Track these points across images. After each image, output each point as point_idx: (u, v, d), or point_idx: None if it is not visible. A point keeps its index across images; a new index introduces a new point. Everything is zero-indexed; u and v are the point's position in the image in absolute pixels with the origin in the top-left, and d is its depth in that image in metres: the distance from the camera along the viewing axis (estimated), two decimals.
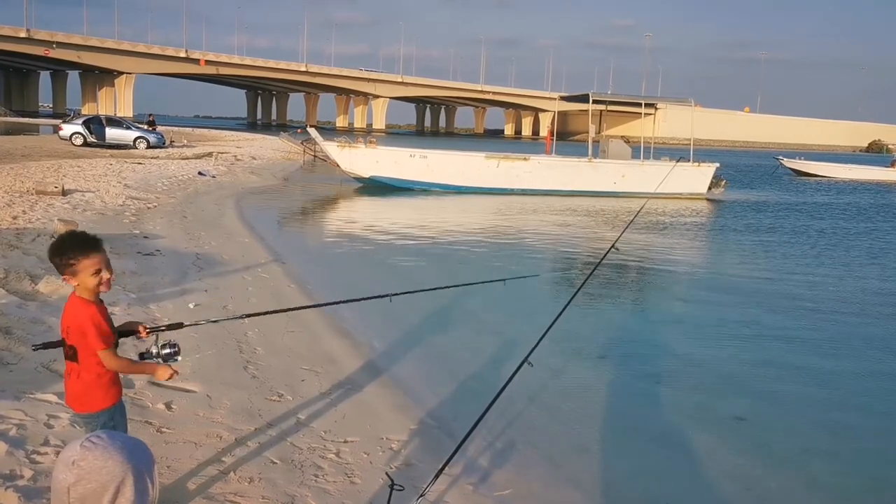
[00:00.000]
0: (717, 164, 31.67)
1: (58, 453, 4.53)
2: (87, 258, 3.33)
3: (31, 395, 5.41)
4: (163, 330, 3.81)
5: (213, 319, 5.20)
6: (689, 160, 30.57)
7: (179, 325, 4.21)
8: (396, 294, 5.09)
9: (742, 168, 58.79)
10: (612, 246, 6.14)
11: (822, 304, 11.71)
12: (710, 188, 30.82)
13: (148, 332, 3.68)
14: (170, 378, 3.60)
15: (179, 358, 3.64)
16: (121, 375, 3.63)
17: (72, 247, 3.34)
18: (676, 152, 33.38)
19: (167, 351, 3.60)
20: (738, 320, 10.44)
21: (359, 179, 28.75)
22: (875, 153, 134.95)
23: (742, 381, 7.84)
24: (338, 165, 28.54)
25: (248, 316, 5.10)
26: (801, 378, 8.01)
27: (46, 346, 3.88)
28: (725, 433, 6.48)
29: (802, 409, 7.10)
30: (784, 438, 6.42)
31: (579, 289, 5.16)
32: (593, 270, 5.65)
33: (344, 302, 5.81)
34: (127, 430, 3.74)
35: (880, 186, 44.80)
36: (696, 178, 30.64)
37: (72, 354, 3.45)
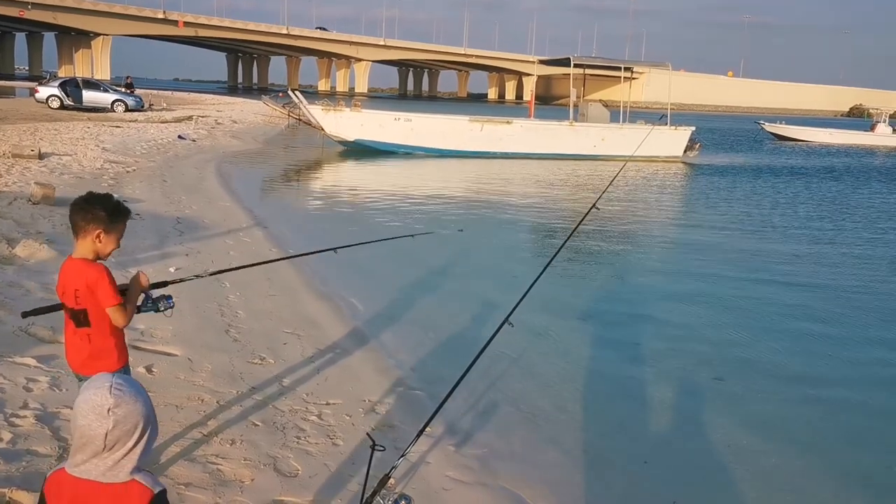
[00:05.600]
0: (693, 128, 32.39)
1: (37, 416, 4.52)
2: (124, 225, 3.47)
3: (10, 359, 5.38)
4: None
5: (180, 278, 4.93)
6: (667, 122, 30.99)
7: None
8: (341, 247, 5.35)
9: (724, 132, 58.87)
10: (593, 206, 6.15)
11: (799, 265, 11.84)
12: (685, 151, 31.45)
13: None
14: (144, 281, 3.61)
15: (173, 302, 3.75)
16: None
17: (123, 210, 3.47)
18: (656, 116, 33.61)
19: (160, 300, 3.72)
20: (716, 281, 10.51)
21: (343, 143, 28.56)
22: (856, 118, 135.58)
23: (721, 341, 7.92)
24: (322, 129, 28.33)
25: (213, 274, 4.97)
26: (779, 338, 8.10)
27: (37, 312, 3.80)
28: (704, 393, 6.56)
29: (780, 369, 7.20)
30: (762, 398, 6.50)
31: (559, 250, 5.17)
32: (572, 233, 5.67)
33: (289, 258, 5.77)
34: None
35: (860, 150, 45.16)
36: (673, 141, 31.39)
37: (82, 319, 3.39)
